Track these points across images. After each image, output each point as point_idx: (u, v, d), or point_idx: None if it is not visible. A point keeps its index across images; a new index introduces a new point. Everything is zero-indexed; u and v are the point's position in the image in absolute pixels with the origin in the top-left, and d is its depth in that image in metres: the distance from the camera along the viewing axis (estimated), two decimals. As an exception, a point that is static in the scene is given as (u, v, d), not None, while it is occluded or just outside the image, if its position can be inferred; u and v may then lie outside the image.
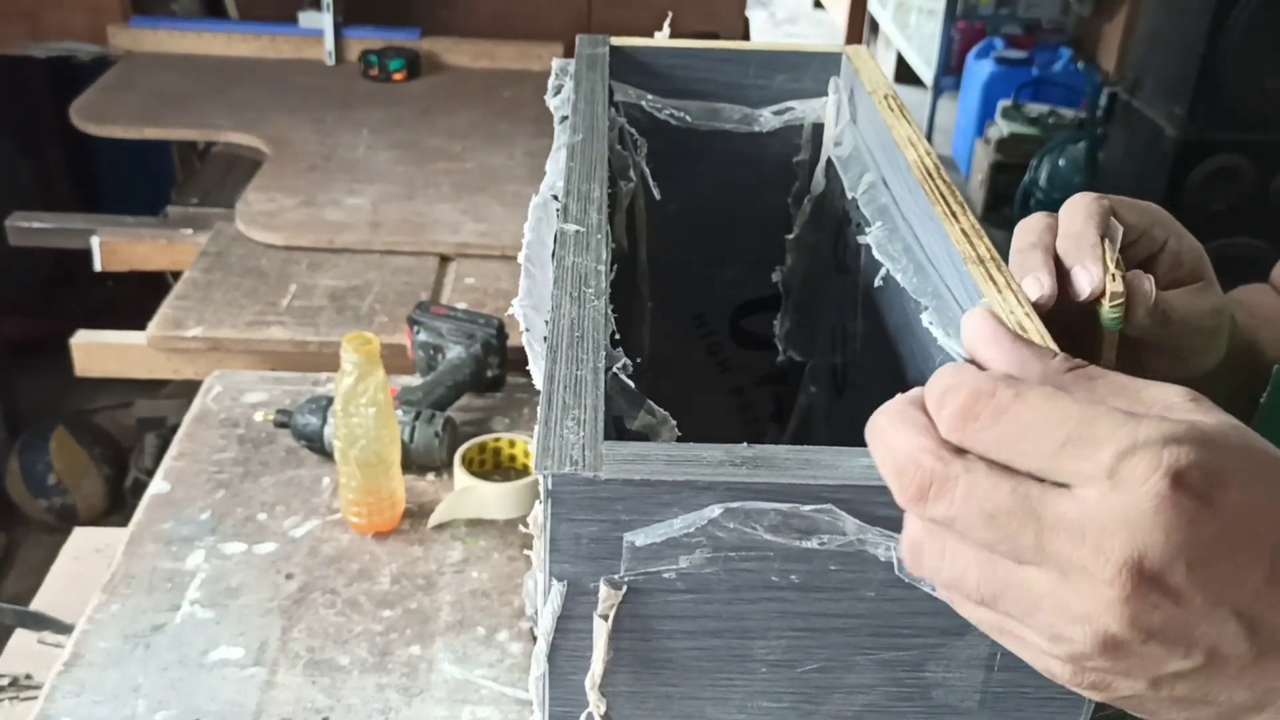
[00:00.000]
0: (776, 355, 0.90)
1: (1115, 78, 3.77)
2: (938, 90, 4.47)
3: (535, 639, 0.45)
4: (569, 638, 0.44)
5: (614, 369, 0.49)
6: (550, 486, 0.41)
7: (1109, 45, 4.17)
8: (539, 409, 0.45)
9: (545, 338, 0.50)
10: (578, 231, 0.56)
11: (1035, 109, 3.91)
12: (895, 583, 0.43)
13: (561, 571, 0.43)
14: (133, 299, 1.77)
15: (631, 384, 0.50)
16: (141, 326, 1.46)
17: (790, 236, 0.84)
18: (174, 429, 1.53)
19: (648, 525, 0.42)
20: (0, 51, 2.33)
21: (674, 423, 0.54)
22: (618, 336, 0.51)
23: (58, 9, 2.29)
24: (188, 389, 1.67)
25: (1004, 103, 3.97)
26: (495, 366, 1.29)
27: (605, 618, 0.43)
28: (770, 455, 0.43)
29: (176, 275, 1.61)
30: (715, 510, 0.42)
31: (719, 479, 0.42)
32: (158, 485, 1.16)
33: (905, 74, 4.96)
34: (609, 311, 0.51)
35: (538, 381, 0.48)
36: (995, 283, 0.55)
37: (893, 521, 0.43)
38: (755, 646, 0.45)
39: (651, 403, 0.53)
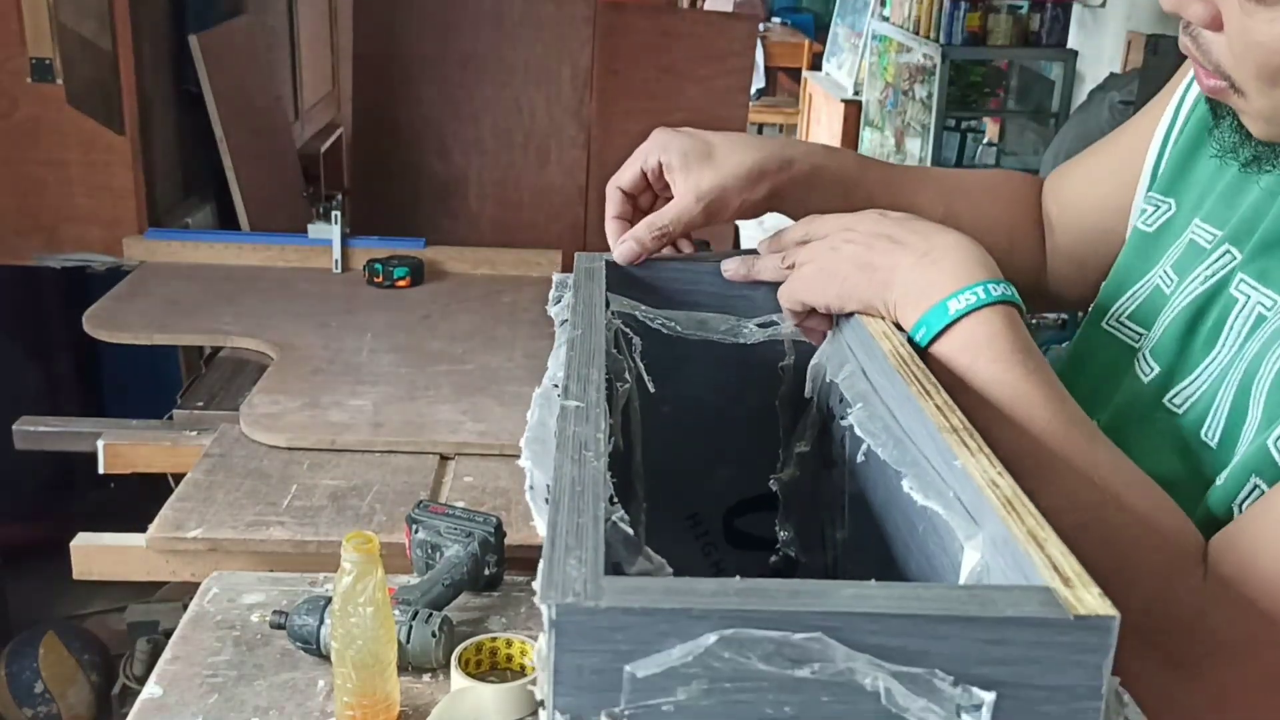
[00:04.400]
0: (770, 555, 0.91)
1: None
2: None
3: None
4: (572, 775, 0.45)
5: (613, 518, 0.52)
6: (554, 616, 0.43)
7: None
8: (542, 550, 0.47)
9: (547, 499, 0.53)
10: (578, 406, 0.59)
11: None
12: (885, 714, 0.45)
13: (564, 704, 0.44)
14: (132, 501, 1.79)
15: (630, 531, 0.53)
16: (141, 529, 1.47)
17: (780, 438, 0.87)
18: (166, 634, 1.51)
19: (647, 655, 0.44)
20: (17, 262, 2.42)
21: (670, 570, 0.55)
22: (615, 500, 0.54)
23: (75, 223, 2.39)
24: (182, 592, 1.66)
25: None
26: (493, 565, 1.30)
27: None
28: (762, 587, 0.45)
29: (178, 478, 1.63)
30: (711, 638, 0.43)
31: (714, 608, 0.44)
32: (150, 690, 1.14)
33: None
34: (608, 474, 0.53)
35: (541, 531, 0.51)
36: (968, 447, 0.58)
37: (880, 649, 0.45)
38: (752, 778, 0.45)
39: (649, 549, 0.55)
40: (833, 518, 0.81)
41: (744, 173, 0.84)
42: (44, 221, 2.38)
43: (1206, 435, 0.73)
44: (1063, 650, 0.45)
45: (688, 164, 0.84)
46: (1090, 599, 0.46)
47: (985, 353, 0.69)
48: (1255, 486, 0.68)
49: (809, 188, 0.88)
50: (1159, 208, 0.84)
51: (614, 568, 0.53)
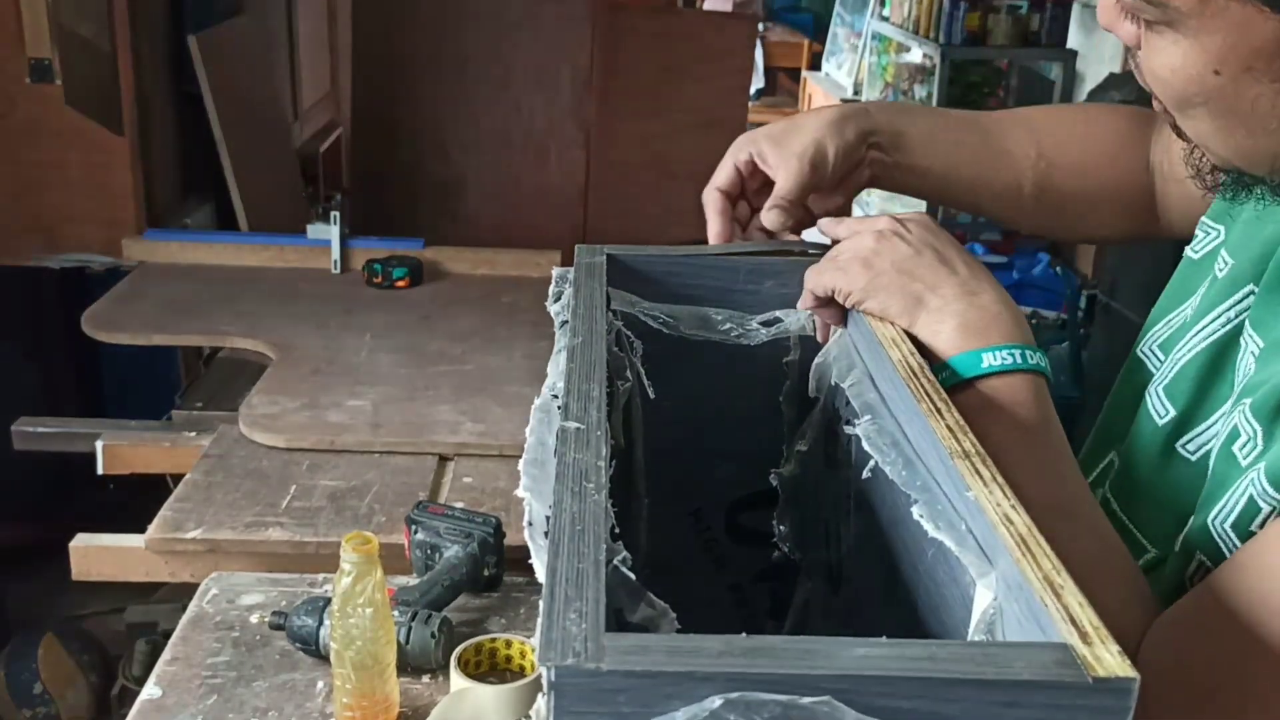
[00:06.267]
0: (772, 551, 0.91)
1: (1093, 281, 3.90)
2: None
3: None
4: (573, 837, 0.43)
5: (614, 562, 0.50)
6: (553, 679, 0.42)
7: (1085, 250, 4.33)
8: (542, 601, 0.46)
9: (546, 532, 0.52)
10: (578, 429, 0.58)
11: (1021, 308, 4.02)
12: (892, 775, 0.43)
13: None
14: (132, 502, 1.78)
15: (632, 576, 0.52)
16: (140, 530, 1.46)
17: (784, 435, 0.87)
18: (165, 635, 1.51)
19: (649, 718, 0.42)
20: (17, 263, 2.41)
21: (674, 615, 0.54)
22: (617, 531, 0.53)
23: (75, 223, 2.38)
24: (181, 593, 1.65)
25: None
26: (492, 566, 1.29)
27: None
28: (769, 646, 0.44)
29: (177, 478, 1.63)
30: (716, 702, 0.42)
31: (719, 670, 0.42)
32: (149, 691, 1.14)
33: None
34: (609, 506, 0.52)
35: (540, 574, 0.50)
36: (981, 476, 0.57)
37: (890, 712, 0.43)
38: (756, 843, 0.44)
39: (651, 595, 0.54)
40: (837, 517, 0.80)
41: (828, 122, 0.86)
42: (43, 221, 2.37)
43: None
44: (1080, 714, 0.43)
45: (776, 141, 0.86)
46: (1109, 658, 0.44)
47: (1004, 417, 0.67)
48: (1200, 563, 0.66)
49: (895, 130, 0.89)
50: (1208, 234, 0.80)
51: (616, 614, 0.52)
